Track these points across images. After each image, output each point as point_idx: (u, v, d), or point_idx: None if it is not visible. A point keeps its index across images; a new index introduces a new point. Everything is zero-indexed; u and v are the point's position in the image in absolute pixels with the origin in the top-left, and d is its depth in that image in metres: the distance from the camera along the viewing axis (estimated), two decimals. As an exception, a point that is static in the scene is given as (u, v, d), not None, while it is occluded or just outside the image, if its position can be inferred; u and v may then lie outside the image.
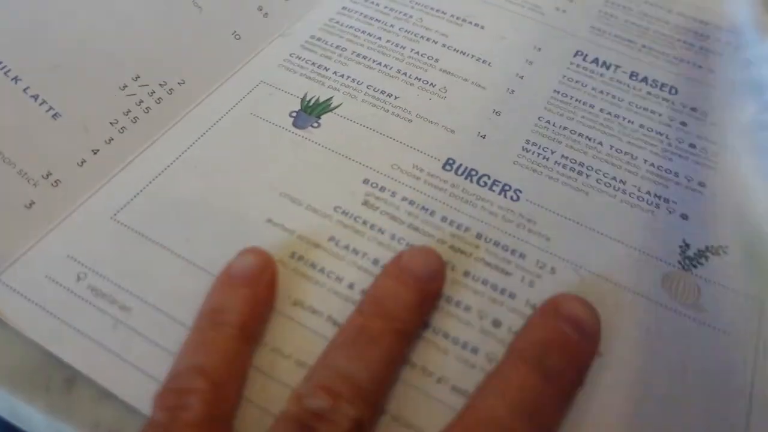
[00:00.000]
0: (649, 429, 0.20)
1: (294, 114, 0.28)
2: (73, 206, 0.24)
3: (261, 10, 0.32)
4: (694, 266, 0.24)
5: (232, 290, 0.20)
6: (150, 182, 0.25)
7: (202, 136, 0.27)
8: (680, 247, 0.25)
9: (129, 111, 0.26)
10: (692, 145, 0.29)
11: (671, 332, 0.22)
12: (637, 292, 0.23)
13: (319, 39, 0.32)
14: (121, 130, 0.26)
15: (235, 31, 0.31)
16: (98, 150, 0.25)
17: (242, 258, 0.21)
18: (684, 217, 0.26)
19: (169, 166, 0.26)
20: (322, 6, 0.34)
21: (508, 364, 0.19)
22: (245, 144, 0.27)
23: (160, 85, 0.27)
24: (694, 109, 0.31)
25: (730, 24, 0.36)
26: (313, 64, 0.31)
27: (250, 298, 0.20)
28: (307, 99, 0.29)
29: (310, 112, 0.29)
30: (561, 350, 0.19)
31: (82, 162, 0.25)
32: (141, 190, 0.25)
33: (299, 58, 0.31)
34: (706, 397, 0.21)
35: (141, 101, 0.27)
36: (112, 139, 0.26)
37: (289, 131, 0.28)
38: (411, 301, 0.20)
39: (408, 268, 0.21)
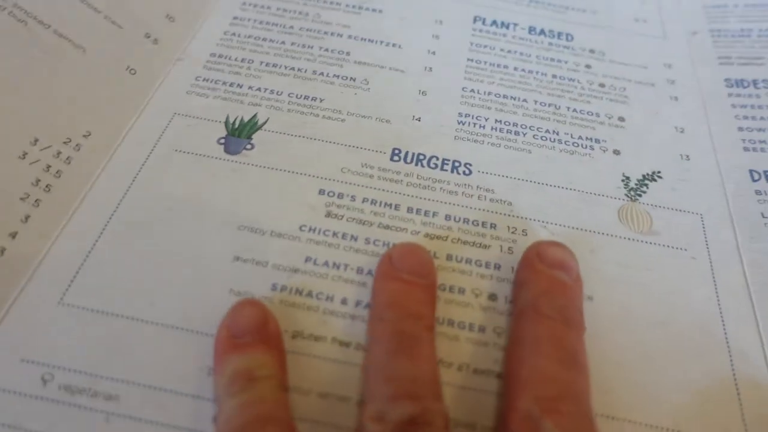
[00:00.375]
0: (642, 355, 0.22)
1: (222, 140, 0.27)
2: (7, 302, 0.21)
3: (149, 37, 0.29)
4: (639, 195, 0.26)
5: (248, 348, 0.18)
6: (89, 251, 0.22)
7: (130, 185, 0.25)
8: (622, 181, 0.27)
9: (38, 180, 0.23)
10: (602, 85, 0.31)
11: (640, 261, 0.24)
12: (601, 231, 0.25)
13: (220, 56, 0.30)
14: (36, 204, 0.23)
15: (128, 66, 0.28)
16: (16, 232, 0.22)
17: (241, 313, 0.20)
18: (616, 152, 0.28)
19: (104, 229, 0.23)
20: (212, 20, 0.32)
21: (530, 323, 0.20)
22: (180, 183, 0.25)
23: (65, 143, 0.24)
24: (592, 51, 0.33)
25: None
26: (224, 83, 0.29)
27: (269, 351, 0.19)
28: (231, 121, 0.27)
29: (239, 134, 0.27)
30: (564, 295, 0.20)
31: (1, 251, 0.21)
32: (82, 263, 0.22)
33: (207, 80, 0.29)
34: (686, 311, 0.23)
35: (48, 166, 0.23)
36: (29, 216, 0.22)
37: (224, 159, 0.26)
38: (422, 297, 0.20)
39: (403, 268, 0.20)
